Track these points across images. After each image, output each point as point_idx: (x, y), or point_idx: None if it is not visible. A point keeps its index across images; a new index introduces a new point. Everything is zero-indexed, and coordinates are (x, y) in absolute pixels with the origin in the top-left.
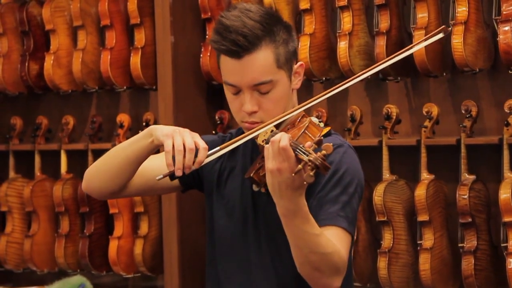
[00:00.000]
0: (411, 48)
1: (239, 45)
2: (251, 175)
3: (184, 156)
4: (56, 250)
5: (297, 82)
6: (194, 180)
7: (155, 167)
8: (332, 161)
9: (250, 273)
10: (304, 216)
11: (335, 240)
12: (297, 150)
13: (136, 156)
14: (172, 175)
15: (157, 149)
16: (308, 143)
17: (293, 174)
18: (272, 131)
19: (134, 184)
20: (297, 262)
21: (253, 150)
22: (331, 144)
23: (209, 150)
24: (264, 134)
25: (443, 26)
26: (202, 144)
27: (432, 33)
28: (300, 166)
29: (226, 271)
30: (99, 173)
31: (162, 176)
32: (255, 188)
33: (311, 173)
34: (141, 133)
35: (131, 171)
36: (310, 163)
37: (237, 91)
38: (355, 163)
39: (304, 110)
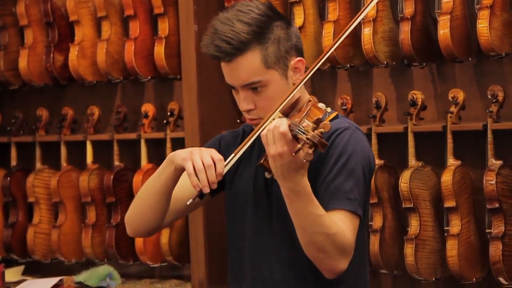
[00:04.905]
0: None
1: (223, 51)
2: (261, 161)
3: (206, 174)
4: (83, 240)
5: (297, 77)
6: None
7: (183, 188)
8: (338, 144)
9: (264, 258)
10: (307, 196)
11: (342, 223)
12: (296, 130)
13: (166, 186)
14: (200, 194)
15: (181, 173)
16: (306, 123)
17: (293, 154)
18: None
19: (174, 210)
20: (302, 243)
21: None
22: (329, 123)
23: (226, 154)
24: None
25: None
26: (217, 156)
27: None
28: (299, 145)
29: (242, 257)
30: (139, 215)
31: (191, 200)
32: (267, 175)
33: (310, 151)
34: (163, 164)
35: (167, 201)
36: (308, 141)
37: (236, 89)
38: (361, 144)
39: (317, 96)
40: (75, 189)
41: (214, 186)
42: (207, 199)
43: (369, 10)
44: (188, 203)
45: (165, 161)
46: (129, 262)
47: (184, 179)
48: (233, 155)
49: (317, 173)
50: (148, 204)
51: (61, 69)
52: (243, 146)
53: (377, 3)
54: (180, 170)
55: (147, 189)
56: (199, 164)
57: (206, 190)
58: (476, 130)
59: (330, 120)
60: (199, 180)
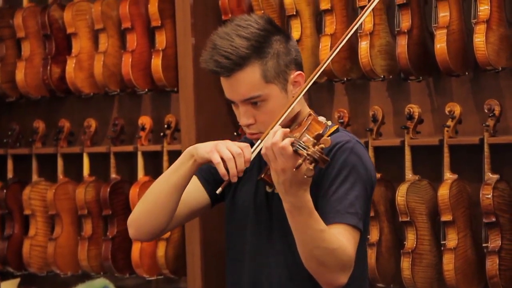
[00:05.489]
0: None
1: (222, 67)
2: (262, 176)
3: (235, 162)
4: (79, 253)
5: (297, 91)
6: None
7: (190, 193)
8: (339, 157)
9: (263, 271)
10: (309, 211)
11: (343, 238)
12: (297, 146)
13: (181, 182)
14: (229, 183)
15: (198, 169)
16: (307, 138)
17: (294, 169)
18: None
19: (177, 214)
20: (303, 257)
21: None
22: (330, 138)
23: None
24: None
25: None
26: (243, 144)
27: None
28: (300, 161)
29: (242, 270)
30: (146, 213)
31: (221, 188)
32: (268, 189)
33: (311, 167)
34: (180, 158)
35: (178, 199)
36: (308, 157)
37: (235, 104)
38: (363, 158)
39: (314, 110)
40: (72, 201)
41: (241, 174)
42: (207, 209)
43: (362, 21)
44: (218, 191)
45: (182, 156)
46: (125, 275)
47: (191, 185)
48: (259, 141)
49: (318, 186)
50: (159, 201)
51: (58, 81)
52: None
53: (374, 17)
54: (199, 164)
55: (159, 186)
56: (227, 154)
57: (235, 179)
58: (473, 144)
59: (331, 134)
60: (227, 170)
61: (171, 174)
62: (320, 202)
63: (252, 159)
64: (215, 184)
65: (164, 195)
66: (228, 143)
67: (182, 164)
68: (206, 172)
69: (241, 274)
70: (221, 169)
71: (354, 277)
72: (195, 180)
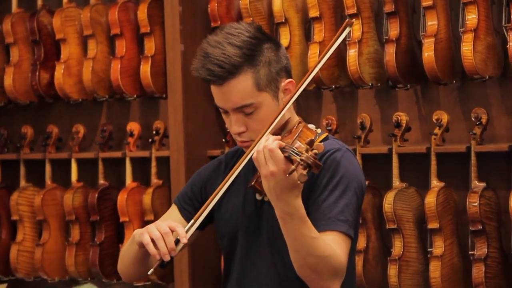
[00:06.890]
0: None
1: (215, 75)
2: (253, 183)
3: (165, 241)
4: (67, 258)
5: (287, 98)
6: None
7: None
8: (330, 165)
9: (255, 280)
10: (301, 218)
11: (334, 245)
12: (290, 151)
13: (137, 259)
14: (162, 263)
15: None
16: (299, 144)
17: (287, 175)
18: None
19: None
20: (296, 265)
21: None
22: (322, 144)
23: (218, 172)
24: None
25: (347, 20)
26: (174, 224)
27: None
28: (293, 166)
29: (236, 279)
30: (124, 269)
31: (152, 269)
32: (258, 197)
33: (304, 172)
34: (129, 240)
35: (145, 263)
36: (302, 163)
37: (226, 112)
38: (353, 165)
39: (302, 117)
40: (59, 207)
41: (174, 254)
42: (196, 236)
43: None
44: (149, 273)
45: (130, 238)
46: (113, 281)
47: (173, 216)
48: (192, 221)
49: (309, 194)
50: (129, 267)
51: (47, 87)
52: (203, 211)
53: (362, 25)
54: (143, 247)
55: (124, 256)
56: (156, 233)
57: (167, 257)
58: (460, 152)
59: (321, 141)
60: (158, 250)
61: (127, 251)
62: (311, 210)
63: (190, 233)
64: (196, 211)
65: (130, 264)
66: (158, 224)
67: (130, 246)
68: (185, 201)
69: (233, 284)
70: (151, 249)
71: (344, 283)
72: (175, 212)
